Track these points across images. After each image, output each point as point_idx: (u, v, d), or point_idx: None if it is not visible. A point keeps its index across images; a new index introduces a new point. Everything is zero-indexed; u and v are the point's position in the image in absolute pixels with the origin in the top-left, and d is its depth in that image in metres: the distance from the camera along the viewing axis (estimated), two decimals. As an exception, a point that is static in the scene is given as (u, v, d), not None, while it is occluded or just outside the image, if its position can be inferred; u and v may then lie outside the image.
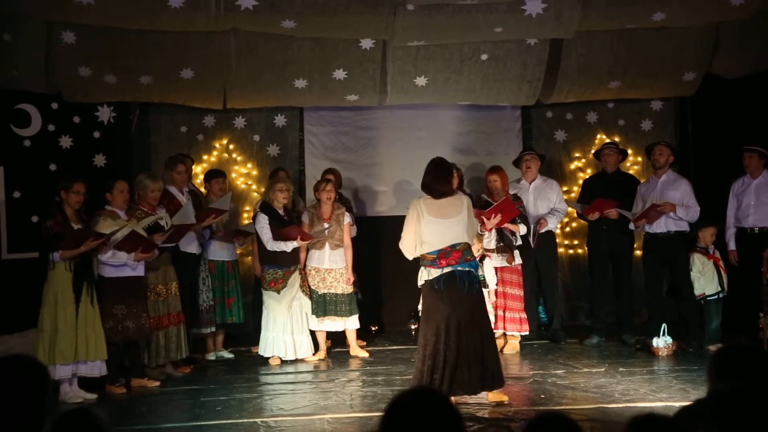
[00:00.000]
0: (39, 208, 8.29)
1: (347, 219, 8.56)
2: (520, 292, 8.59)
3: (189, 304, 8.00)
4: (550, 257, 9.09)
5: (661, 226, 8.35)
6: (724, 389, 2.66)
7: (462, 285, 6.27)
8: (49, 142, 8.95)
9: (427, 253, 6.35)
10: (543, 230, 8.78)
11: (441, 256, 6.29)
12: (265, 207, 8.33)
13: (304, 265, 8.47)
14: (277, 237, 8.18)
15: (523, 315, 8.59)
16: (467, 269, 6.32)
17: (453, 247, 6.29)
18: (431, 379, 6.19)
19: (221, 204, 8.17)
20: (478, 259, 6.87)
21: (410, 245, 6.44)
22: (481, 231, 7.80)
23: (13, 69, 8.30)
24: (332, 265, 8.45)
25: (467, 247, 6.38)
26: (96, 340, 6.99)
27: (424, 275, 6.42)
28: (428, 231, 6.31)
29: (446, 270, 6.28)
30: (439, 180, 6.45)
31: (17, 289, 8.34)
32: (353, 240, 8.82)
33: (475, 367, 6.23)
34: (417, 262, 8.15)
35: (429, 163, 6.62)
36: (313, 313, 8.37)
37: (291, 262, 8.31)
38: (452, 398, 6.22)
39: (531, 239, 8.63)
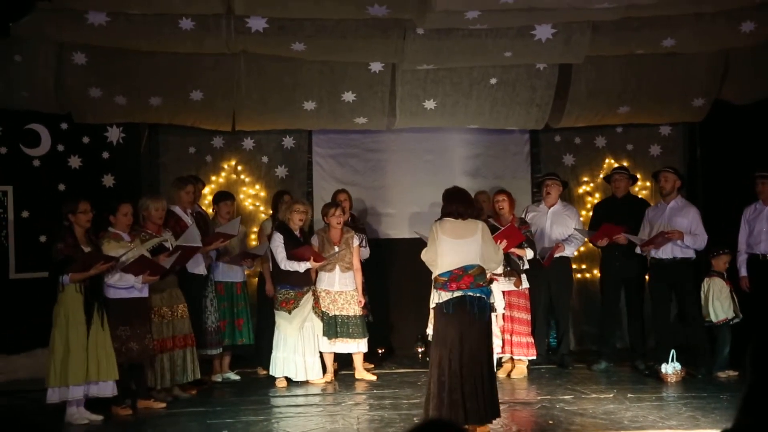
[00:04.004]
0: (47, 228, 8.32)
1: (356, 242, 8.55)
2: (527, 316, 8.56)
3: (196, 325, 7.96)
4: (565, 282, 9.05)
5: (666, 252, 8.32)
6: (750, 421, 2.61)
7: (472, 310, 6.22)
8: (59, 162, 8.99)
9: (439, 275, 6.31)
10: (558, 254, 8.75)
11: (452, 279, 6.24)
12: (281, 227, 8.33)
13: (315, 286, 8.46)
14: (290, 257, 8.18)
15: (530, 339, 8.56)
16: (478, 295, 6.26)
17: (465, 270, 6.23)
18: (441, 406, 6.13)
19: (229, 228, 8.14)
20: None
21: (431, 262, 6.46)
22: None
23: (24, 89, 8.34)
24: (342, 288, 8.43)
25: (481, 272, 6.30)
26: (107, 360, 6.97)
27: (435, 298, 6.37)
28: (441, 250, 6.29)
29: (456, 294, 6.23)
30: (454, 200, 6.46)
31: (24, 309, 8.35)
32: (366, 262, 8.85)
33: (482, 395, 6.17)
34: (426, 285, 8.13)
35: (444, 192, 6.66)
36: (324, 334, 8.34)
37: (304, 283, 8.30)
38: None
39: (541, 257, 8.61)
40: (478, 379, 6.17)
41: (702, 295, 8.42)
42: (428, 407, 6.24)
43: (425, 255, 6.51)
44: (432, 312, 6.67)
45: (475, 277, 6.26)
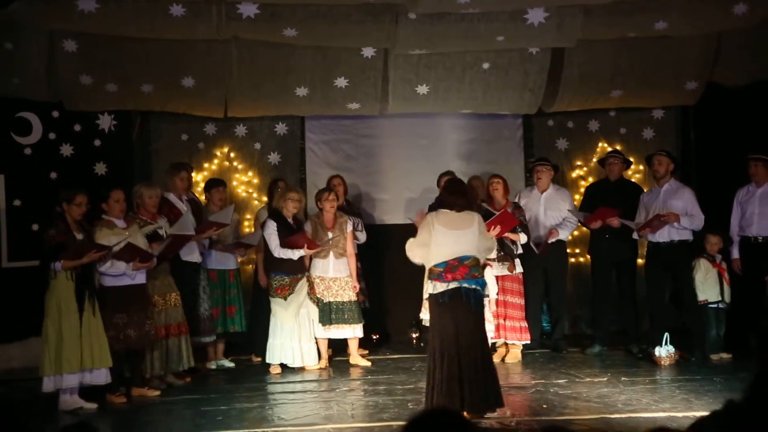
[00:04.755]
0: (39, 216, 8.28)
1: (349, 227, 8.55)
2: (520, 301, 8.57)
3: (189, 313, 7.95)
4: (560, 267, 9.05)
5: (664, 235, 8.33)
6: (738, 400, 2.62)
7: (467, 301, 6.22)
8: (50, 150, 8.94)
9: (434, 266, 6.29)
10: (553, 240, 8.75)
11: (447, 270, 6.22)
12: (275, 214, 8.32)
13: (308, 272, 8.45)
14: (284, 244, 8.17)
15: (524, 324, 8.56)
16: (473, 286, 6.25)
17: (461, 261, 6.23)
18: (439, 395, 6.13)
19: (223, 217, 8.12)
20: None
21: (415, 252, 6.44)
22: None
23: (14, 77, 8.29)
24: (337, 274, 8.43)
25: (476, 263, 6.30)
26: (100, 348, 6.96)
27: (430, 288, 6.35)
28: (436, 241, 6.26)
29: (452, 285, 6.22)
30: (451, 191, 6.49)
31: (17, 297, 8.33)
32: (361, 247, 8.87)
33: (478, 385, 6.17)
34: (420, 271, 8.15)
35: (440, 181, 6.72)
36: (319, 321, 8.35)
37: (298, 269, 8.29)
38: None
39: (535, 247, 8.59)
40: (473, 368, 6.17)
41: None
42: (430, 398, 6.25)
43: (412, 245, 6.45)
44: (426, 301, 6.68)
45: (470, 268, 6.25)
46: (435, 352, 6.26)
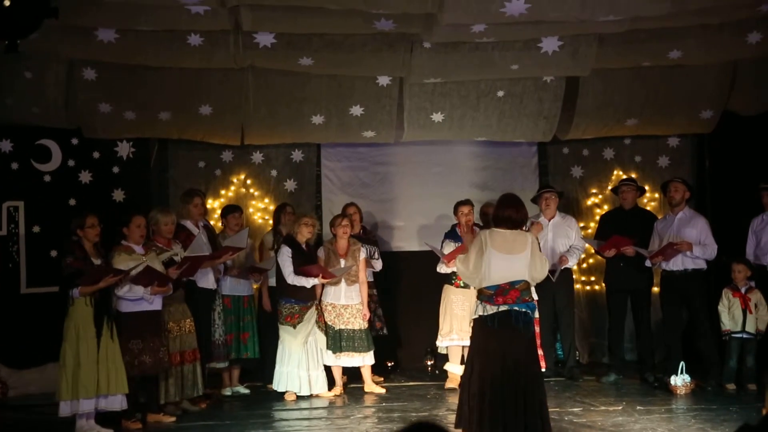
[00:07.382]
0: (58, 243, 8.36)
1: (362, 254, 8.57)
2: (536, 328, 8.52)
3: (204, 339, 7.99)
4: (568, 294, 9.04)
5: (677, 263, 8.32)
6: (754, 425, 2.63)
7: (517, 325, 6.09)
8: (69, 177, 9.04)
9: (485, 288, 6.16)
10: (563, 267, 8.76)
11: (498, 293, 6.08)
12: (289, 240, 8.36)
13: (320, 300, 8.47)
14: (298, 272, 8.19)
15: (539, 351, 8.52)
16: (524, 310, 6.12)
17: (512, 285, 6.09)
18: (478, 421, 5.98)
19: (237, 241, 8.17)
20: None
21: (469, 275, 6.28)
22: None
23: (34, 105, 8.42)
24: (348, 301, 8.45)
25: (527, 286, 6.18)
26: (117, 373, 7.00)
27: (479, 311, 6.18)
28: (488, 264, 6.10)
29: (502, 308, 6.09)
30: (508, 206, 6.27)
31: (35, 323, 8.40)
32: (379, 272, 8.90)
33: (521, 413, 5.99)
34: (437, 296, 8.15)
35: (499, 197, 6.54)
36: (328, 348, 8.36)
37: (309, 297, 8.30)
38: None
39: (551, 275, 8.56)
40: (520, 394, 6.01)
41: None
42: (470, 420, 6.05)
43: (463, 264, 6.29)
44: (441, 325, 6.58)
45: (521, 291, 6.13)
46: (478, 375, 6.07)
